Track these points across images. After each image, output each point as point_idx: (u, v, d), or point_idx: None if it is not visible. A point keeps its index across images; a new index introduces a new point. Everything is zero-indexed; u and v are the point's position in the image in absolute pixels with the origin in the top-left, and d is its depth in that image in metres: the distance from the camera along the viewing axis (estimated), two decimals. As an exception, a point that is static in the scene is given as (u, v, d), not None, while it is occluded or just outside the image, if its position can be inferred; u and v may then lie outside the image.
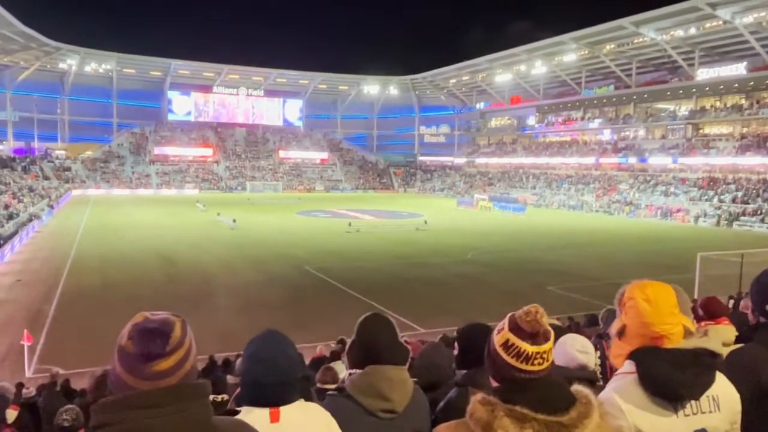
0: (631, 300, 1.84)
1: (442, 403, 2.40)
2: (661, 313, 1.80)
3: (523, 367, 1.55)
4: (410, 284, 21.50)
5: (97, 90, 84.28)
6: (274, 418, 1.72)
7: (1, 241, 27.92)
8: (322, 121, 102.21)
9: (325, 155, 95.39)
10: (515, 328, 1.59)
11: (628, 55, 64.01)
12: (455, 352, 2.70)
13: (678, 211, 50.36)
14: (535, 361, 1.55)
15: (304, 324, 14.76)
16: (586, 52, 65.83)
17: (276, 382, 1.76)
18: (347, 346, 2.18)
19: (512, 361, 1.56)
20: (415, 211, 52.63)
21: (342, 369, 6.77)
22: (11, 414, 4.84)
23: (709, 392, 1.78)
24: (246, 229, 37.02)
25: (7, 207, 37.71)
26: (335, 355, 9.26)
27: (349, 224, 39.69)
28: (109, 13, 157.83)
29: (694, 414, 1.76)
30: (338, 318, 16.21)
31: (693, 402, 1.76)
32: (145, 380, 1.24)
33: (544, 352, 1.57)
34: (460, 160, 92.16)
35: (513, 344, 1.57)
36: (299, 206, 57.29)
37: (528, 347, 1.55)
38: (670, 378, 1.72)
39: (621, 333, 1.85)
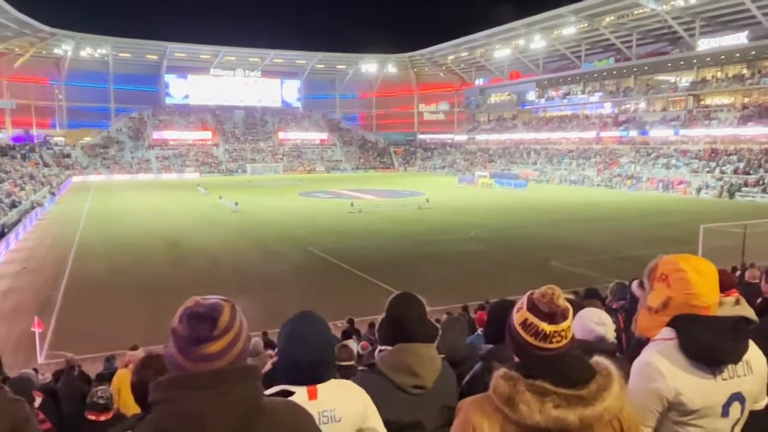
0: (680, 272, 1.88)
1: (467, 377, 2.45)
2: (711, 284, 1.87)
3: (542, 345, 1.60)
4: (414, 262, 21.58)
5: (93, 75, 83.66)
6: (312, 396, 1.76)
7: (6, 229, 27.98)
8: (321, 101, 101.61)
9: (324, 136, 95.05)
10: (533, 307, 1.64)
11: (628, 27, 63.35)
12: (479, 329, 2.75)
13: (680, 183, 50.30)
14: (554, 340, 1.60)
15: (311, 304, 14.72)
16: (586, 24, 65.18)
17: (314, 361, 1.80)
18: (377, 324, 2.22)
19: (531, 340, 1.61)
20: (417, 190, 52.61)
21: (355, 347, 6.86)
22: (37, 400, 4.94)
23: (744, 357, 1.84)
24: (248, 212, 37.07)
25: (9, 195, 37.72)
26: (345, 334, 9.37)
27: (351, 204, 39.70)
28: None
29: (731, 378, 1.82)
30: (344, 297, 16.36)
31: (731, 366, 1.82)
32: (195, 362, 1.29)
33: (563, 330, 1.61)
34: (460, 138, 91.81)
35: (531, 323, 1.62)
36: (300, 187, 57.26)
37: (546, 326, 1.60)
38: (713, 344, 1.78)
39: (666, 305, 1.88)
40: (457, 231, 28.97)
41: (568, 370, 1.57)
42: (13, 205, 34.97)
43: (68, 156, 74.88)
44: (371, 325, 10.64)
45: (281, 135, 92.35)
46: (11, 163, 56.00)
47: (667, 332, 1.85)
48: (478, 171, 67.42)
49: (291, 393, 1.61)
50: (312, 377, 1.79)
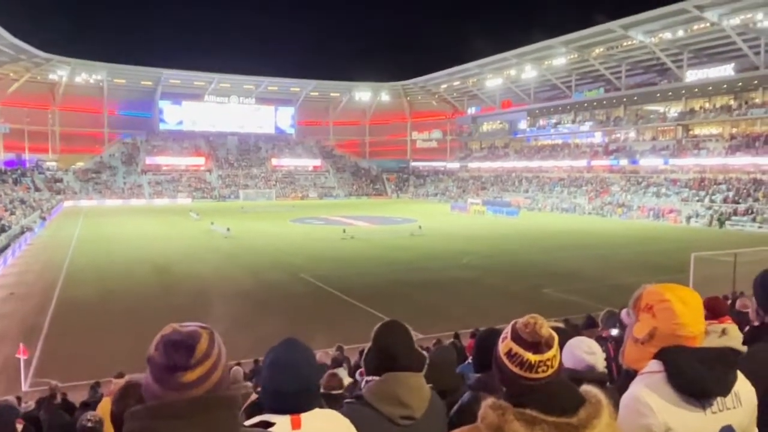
0: (665, 302, 1.85)
1: (456, 407, 2.42)
2: (696, 314, 1.84)
3: (528, 375, 1.57)
4: (406, 290, 21.51)
5: (88, 101, 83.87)
6: (296, 425, 1.72)
7: (-6, 254, 27.71)
8: (315, 128, 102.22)
9: (317, 162, 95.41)
10: (517, 337, 1.61)
11: (618, 58, 64.52)
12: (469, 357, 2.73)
13: (670, 212, 50.67)
14: (539, 369, 1.57)
15: (302, 332, 14.70)
16: (576, 55, 66.36)
17: (298, 390, 1.77)
18: (364, 354, 2.19)
19: (516, 370, 1.59)
20: (409, 217, 52.69)
21: (344, 375, 6.77)
22: (18, 428, 4.83)
23: (732, 389, 1.81)
24: (240, 238, 36.94)
25: (-2, 219, 37.44)
26: (335, 362, 9.26)
27: (344, 231, 39.66)
28: (99, 23, 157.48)
29: (720, 411, 1.78)
30: (336, 325, 16.22)
31: (720, 399, 1.78)
32: (171, 390, 1.26)
33: (548, 359, 1.58)
34: (452, 165, 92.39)
35: (516, 353, 1.59)
36: (293, 214, 57.22)
37: (531, 356, 1.57)
38: (701, 376, 1.74)
39: (651, 336, 1.86)
40: (449, 258, 28.95)
41: (556, 397, 1.54)
42: (2, 230, 34.67)
43: (60, 181, 74.65)
44: (362, 352, 10.53)
45: (274, 161, 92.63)
46: (2, 187, 55.77)
47: (655, 365, 1.82)
48: (471, 198, 67.72)
49: (271, 424, 1.57)
50: (296, 406, 1.75)
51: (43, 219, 47.78)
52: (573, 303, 18.19)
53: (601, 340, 3.96)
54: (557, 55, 67.50)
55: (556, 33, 63.49)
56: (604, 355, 2.93)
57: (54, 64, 74.12)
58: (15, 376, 12.44)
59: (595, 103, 69.23)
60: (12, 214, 42.40)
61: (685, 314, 1.82)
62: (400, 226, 44.88)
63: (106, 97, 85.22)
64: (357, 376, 7.68)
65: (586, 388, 1.61)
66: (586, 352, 2.84)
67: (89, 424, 4.39)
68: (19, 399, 9.04)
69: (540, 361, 1.57)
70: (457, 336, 11.37)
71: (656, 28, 55.76)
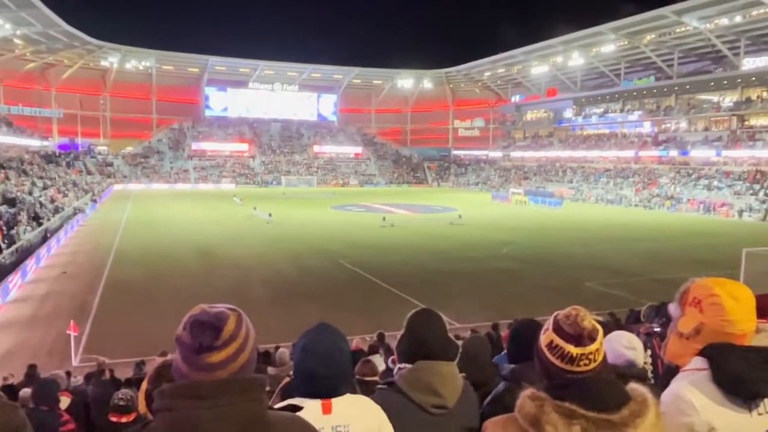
0: (714, 297, 1.78)
1: (489, 398, 2.39)
2: (747, 311, 1.77)
3: (569, 368, 1.54)
4: (445, 279, 21.43)
5: (137, 87, 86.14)
6: (327, 410, 1.73)
7: (48, 234, 28.88)
8: (356, 115, 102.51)
9: (359, 150, 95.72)
10: (558, 329, 1.58)
11: (670, 45, 62.22)
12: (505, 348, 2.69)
13: (722, 205, 48.84)
14: (581, 363, 1.53)
15: (340, 317, 14.83)
16: (626, 42, 64.26)
17: (329, 375, 1.77)
18: (397, 341, 2.18)
19: (557, 362, 1.55)
20: (449, 206, 52.38)
21: (380, 362, 6.80)
22: (64, 401, 5.04)
23: None
24: (281, 223, 37.44)
25: (53, 201, 38.96)
26: (372, 349, 9.31)
27: (384, 218, 39.72)
28: (148, 10, 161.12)
29: (767, 413, 1.70)
30: (373, 311, 16.31)
31: (766, 400, 1.70)
32: (197, 371, 1.27)
33: (590, 352, 1.54)
34: (494, 154, 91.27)
35: (557, 345, 1.56)
36: (333, 200, 57.64)
37: (572, 349, 1.54)
38: (749, 376, 1.67)
39: (698, 331, 1.79)
40: (489, 248, 28.68)
41: (598, 393, 1.50)
42: (56, 211, 36.08)
43: (110, 165, 77.16)
44: (379, 336, 10.60)
45: (316, 148, 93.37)
46: (56, 170, 57.93)
47: (699, 362, 1.75)
48: (513, 188, 66.82)
49: (299, 408, 1.57)
50: (327, 390, 1.76)
51: (94, 201, 49.48)
52: (616, 297, 17.79)
53: (646, 336, 3.83)
54: (606, 42, 65.51)
55: (605, 19, 61.69)
56: (648, 353, 2.84)
57: (106, 51, 76.26)
58: (66, 352, 12.98)
59: (644, 92, 67.07)
60: (65, 196, 44.04)
61: (735, 310, 1.74)
62: (439, 215, 44.67)
63: (154, 84, 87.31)
64: (389, 363, 7.71)
65: (633, 386, 1.56)
66: (625, 346, 2.75)
67: (121, 402, 4.56)
68: (68, 373, 9.41)
69: (582, 354, 1.53)
70: (495, 326, 11.26)
71: (712, 14, 53.40)
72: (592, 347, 1.54)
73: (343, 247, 28.53)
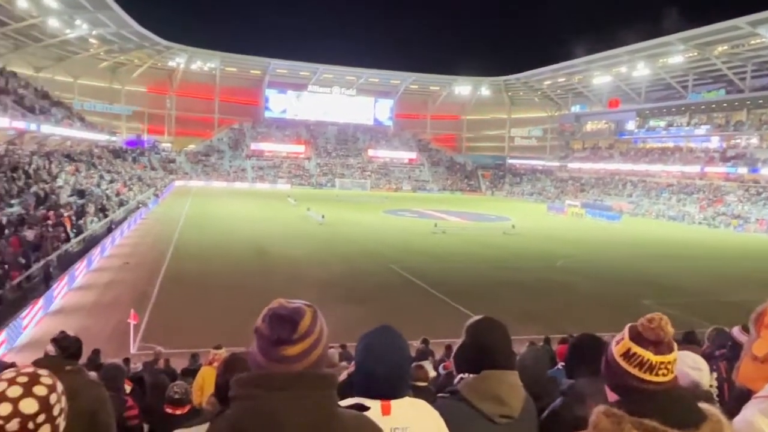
0: None
1: (547, 412, 2.35)
2: None
3: (647, 377, 1.47)
4: (495, 288, 21.16)
5: (201, 87, 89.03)
6: (386, 411, 1.74)
7: (113, 226, 30.21)
8: (412, 121, 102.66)
9: (413, 155, 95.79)
10: (637, 336, 1.52)
11: (743, 58, 59.44)
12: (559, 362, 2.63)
13: (794, 227, 46.29)
14: (660, 372, 1.47)
15: (388, 321, 14.80)
16: (695, 53, 61.80)
17: (390, 376, 1.78)
18: (456, 349, 2.16)
19: (635, 371, 1.49)
20: (503, 215, 51.72)
21: (429, 368, 6.77)
22: (127, 388, 5.26)
23: None
24: (334, 225, 37.87)
25: (118, 194, 40.73)
26: (420, 354, 9.29)
27: (435, 225, 39.60)
28: (213, 13, 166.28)
29: None
30: (422, 317, 16.27)
31: None
32: (273, 362, 1.32)
33: (669, 362, 1.48)
34: (551, 164, 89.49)
35: (635, 353, 1.50)
36: (386, 205, 57.87)
37: (651, 356, 1.48)
38: None
39: None
40: (542, 259, 28.14)
41: (677, 408, 1.43)
42: (121, 204, 37.71)
43: (173, 161, 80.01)
44: (448, 347, 10.47)
45: (371, 152, 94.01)
46: (123, 164, 60.54)
47: None
48: (569, 200, 65.29)
49: (366, 408, 1.60)
50: (386, 392, 1.77)
51: (157, 196, 51.42)
52: (674, 317, 16.77)
53: (712, 359, 3.67)
54: (674, 53, 63.14)
55: (674, 29, 59.52)
56: (710, 373, 2.72)
57: (173, 51, 79.18)
58: (125, 339, 13.51)
59: (713, 105, 64.34)
60: (130, 189, 45.97)
61: None
62: (492, 224, 44.16)
63: (217, 84, 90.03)
64: (440, 369, 7.67)
65: (706, 406, 1.49)
66: (691, 366, 2.65)
67: (176, 396, 4.70)
68: (127, 360, 9.81)
69: (661, 363, 1.47)
70: (547, 340, 11.03)
71: (790, 26, 50.76)
72: (671, 356, 1.49)
73: (394, 251, 28.60)
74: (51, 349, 3.13)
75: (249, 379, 1.32)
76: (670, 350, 1.49)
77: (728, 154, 61.89)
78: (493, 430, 1.95)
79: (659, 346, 1.48)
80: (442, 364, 7.90)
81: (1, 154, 30.95)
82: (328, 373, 1.37)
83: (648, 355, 1.48)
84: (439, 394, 2.10)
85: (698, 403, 1.51)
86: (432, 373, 6.31)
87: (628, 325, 1.57)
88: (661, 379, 1.47)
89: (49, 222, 23.02)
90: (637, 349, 1.50)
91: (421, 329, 13.32)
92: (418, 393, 2.88)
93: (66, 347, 3.16)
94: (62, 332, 3.33)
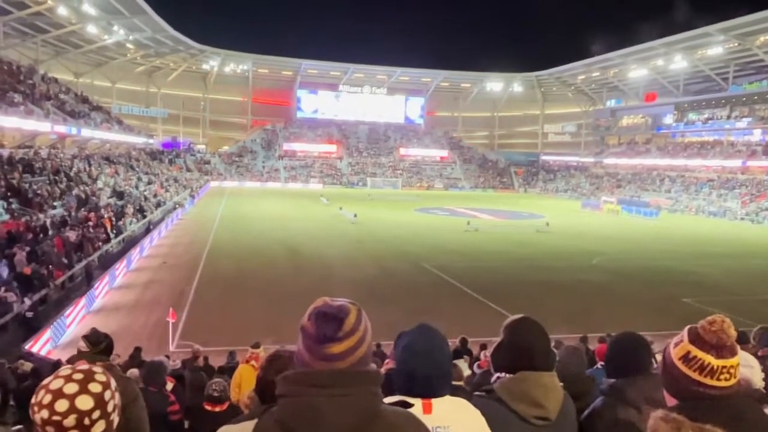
0: None
1: (587, 412, 2.32)
2: None
3: (708, 381, 1.43)
4: (529, 288, 20.92)
5: (234, 89, 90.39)
6: (427, 410, 1.74)
7: (151, 226, 30.91)
8: (443, 118, 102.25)
9: (444, 153, 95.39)
10: (697, 339, 1.48)
11: (787, 47, 57.46)
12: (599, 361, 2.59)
13: (842, 222, 44.52)
14: (722, 376, 1.43)
15: (421, 320, 14.77)
16: (736, 44, 59.91)
17: (431, 375, 1.79)
18: (493, 348, 2.16)
19: (695, 375, 1.45)
20: (537, 212, 51.07)
21: (465, 367, 6.75)
22: (169, 384, 5.39)
23: None
24: (366, 224, 37.97)
25: (155, 195, 41.65)
26: (456, 353, 9.25)
27: (468, 223, 39.35)
28: (245, 14, 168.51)
29: None
30: (455, 316, 16.20)
31: None
32: (319, 360, 1.33)
33: (731, 366, 1.44)
34: (586, 160, 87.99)
35: (695, 357, 1.46)
36: (418, 203, 57.78)
37: (713, 360, 1.44)
38: None
39: None
40: (577, 258, 27.71)
41: (740, 414, 1.39)
42: (159, 205, 38.55)
43: (208, 162, 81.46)
44: (483, 346, 10.41)
45: (402, 151, 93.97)
46: (159, 166, 61.85)
47: None
48: (605, 196, 64.10)
49: (410, 405, 1.61)
50: (428, 390, 1.77)
51: (192, 197, 52.39)
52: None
53: (758, 359, 3.56)
54: (713, 44, 61.32)
55: (712, 19, 57.80)
56: (762, 373, 2.64)
57: (207, 54, 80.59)
58: (164, 337, 13.83)
59: (755, 97, 62.30)
60: (167, 191, 46.96)
61: None
62: (526, 221, 43.67)
63: (250, 86, 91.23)
64: (475, 368, 7.63)
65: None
66: (742, 364, 2.56)
67: (215, 393, 4.81)
68: (167, 357, 10.03)
69: (723, 367, 1.43)
70: (584, 339, 10.87)
71: (838, 13, 48.78)
72: (734, 361, 1.44)
73: (426, 250, 28.54)
74: (83, 345, 3.26)
75: (295, 377, 1.34)
76: (733, 354, 1.45)
77: (771, 147, 59.91)
78: (529, 430, 1.93)
79: (720, 349, 1.44)
80: (476, 363, 7.85)
81: (43, 158, 31.96)
82: (373, 371, 1.39)
83: (709, 358, 1.44)
84: (476, 393, 2.09)
85: (764, 406, 1.46)
86: (467, 372, 6.28)
87: (688, 326, 1.52)
88: (723, 384, 1.43)
89: (90, 223, 23.69)
90: (697, 352, 1.46)
91: (454, 328, 13.25)
92: (453, 391, 2.88)
93: (96, 343, 3.28)
94: (93, 329, 3.46)
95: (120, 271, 20.88)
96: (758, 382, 2.57)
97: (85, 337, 3.30)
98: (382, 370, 1.69)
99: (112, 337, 3.46)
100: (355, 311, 1.38)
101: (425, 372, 1.78)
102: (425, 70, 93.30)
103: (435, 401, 1.77)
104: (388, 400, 1.61)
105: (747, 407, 1.43)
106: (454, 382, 4.65)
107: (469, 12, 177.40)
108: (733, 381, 1.44)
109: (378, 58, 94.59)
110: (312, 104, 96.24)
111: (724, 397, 1.42)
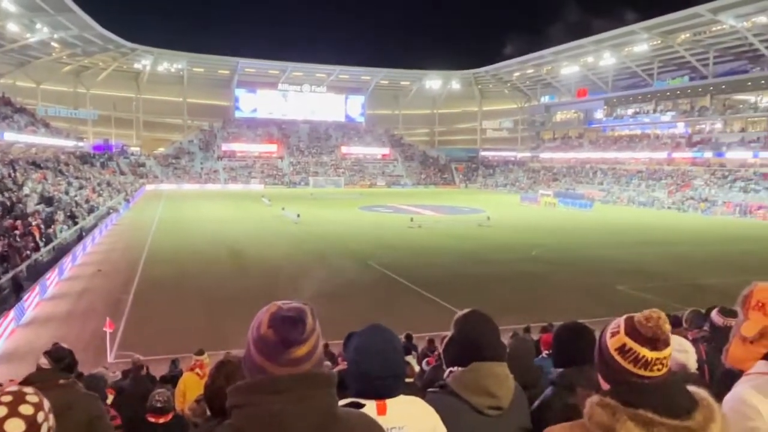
0: None
1: (537, 402, 2.35)
2: None
3: (642, 372, 1.47)
4: (473, 281, 21.29)
5: (168, 89, 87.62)
6: (381, 411, 1.72)
7: (84, 233, 29.56)
8: (384, 116, 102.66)
9: (386, 151, 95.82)
10: (633, 332, 1.51)
11: (705, 44, 60.76)
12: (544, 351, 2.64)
13: (759, 208, 47.56)
14: (655, 367, 1.47)
15: (369, 318, 14.78)
16: (659, 41, 63.00)
17: (385, 375, 1.76)
18: (444, 344, 2.16)
19: (629, 367, 1.48)
20: (478, 207, 52.07)
21: (414, 363, 6.78)
22: (109, 397, 5.14)
23: None
24: (309, 224, 37.67)
25: (88, 200, 39.89)
26: (404, 350, 9.30)
27: (411, 219, 39.68)
28: (179, 13, 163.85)
29: None
30: (402, 313, 16.29)
31: None
32: (282, 366, 1.28)
33: (664, 357, 1.48)
34: (523, 155, 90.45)
35: (630, 349, 1.49)
36: (361, 201, 57.77)
37: (647, 353, 1.47)
38: None
39: (762, 335, 1.73)
40: (518, 250, 28.42)
41: (671, 398, 1.44)
42: (91, 211, 36.92)
43: (143, 165, 78.64)
44: (430, 341, 10.49)
45: (344, 149, 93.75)
46: (91, 170, 59.29)
47: (763, 365, 1.70)
48: (542, 189, 66.07)
49: (362, 405, 1.58)
50: (382, 391, 1.75)
51: (127, 201, 50.52)
52: (649, 302, 17.41)
53: (692, 342, 3.75)
54: (639, 42, 64.29)
55: (637, 18, 60.54)
56: (695, 355, 2.77)
57: (139, 53, 77.75)
58: (101, 348, 13.24)
59: (678, 92, 65.72)
60: (99, 195, 45.05)
61: None
62: (467, 216, 44.43)
63: (185, 85, 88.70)
64: (424, 365, 7.68)
65: (695, 390, 1.50)
66: (677, 350, 2.69)
67: (158, 404, 4.62)
68: (105, 369, 9.60)
69: (657, 359, 1.47)
70: (527, 330, 11.14)
71: (749, 12, 51.87)
72: (666, 352, 1.48)
73: (371, 248, 28.57)
74: (44, 362, 3.04)
75: (250, 386, 1.29)
76: (666, 345, 1.49)
77: (694, 139, 63.33)
78: (483, 421, 1.95)
79: (656, 343, 1.48)
80: (425, 359, 7.91)
81: (-38, 164, 30.05)
82: (329, 373, 1.36)
83: (644, 351, 1.47)
84: (429, 389, 2.09)
85: (690, 387, 1.53)
86: (416, 368, 6.31)
87: (624, 317, 1.55)
88: (655, 374, 1.47)
89: (17, 232, 22.42)
90: (633, 345, 1.49)
91: (401, 324, 13.32)
92: (405, 389, 2.87)
93: (59, 359, 3.07)
94: (55, 344, 3.25)
95: (51, 281, 19.87)
96: (693, 365, 2.69)
97: (47, 353, 3.07)
98: (335, 371, 1.66)
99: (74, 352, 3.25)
100: (309, 310, 1.35)
101: (379, 373, 1.75)
102: (364, 68, 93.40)
103: (389, 401, 1.75)
104: (340, 402, 1.58)
105: (675, 388, 1.48)
106: (406, 380, 4.67)
107: (407, 11, 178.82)
108: (664, 370, 1.49)
109: (317, 57, 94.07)
110: (251, 103, 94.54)
111: (655, 384, 1.47)
